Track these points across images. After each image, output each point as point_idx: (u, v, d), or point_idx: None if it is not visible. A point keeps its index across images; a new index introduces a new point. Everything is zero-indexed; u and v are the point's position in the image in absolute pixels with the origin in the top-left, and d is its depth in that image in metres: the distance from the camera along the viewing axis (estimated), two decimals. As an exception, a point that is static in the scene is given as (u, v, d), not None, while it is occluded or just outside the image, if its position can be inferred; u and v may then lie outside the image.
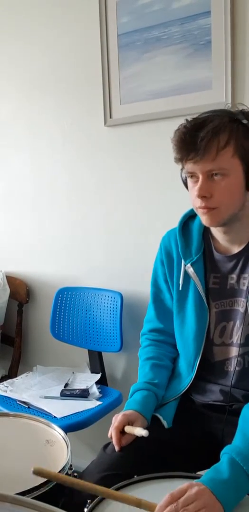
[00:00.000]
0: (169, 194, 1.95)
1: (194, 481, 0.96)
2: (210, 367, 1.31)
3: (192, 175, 1.20)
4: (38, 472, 0.95)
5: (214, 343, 1.30)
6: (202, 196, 1.17)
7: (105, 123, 2.07)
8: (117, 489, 1.03)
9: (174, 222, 1.42)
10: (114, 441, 1.20)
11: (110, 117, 2.05)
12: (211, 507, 0.92)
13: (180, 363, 1.39)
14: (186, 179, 1.27)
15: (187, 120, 1.19)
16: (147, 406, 1.28)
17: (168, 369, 1.40)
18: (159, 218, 2.00)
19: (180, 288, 1.35)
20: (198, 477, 1.00)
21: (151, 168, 2.00)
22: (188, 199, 1.32)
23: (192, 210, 1.38)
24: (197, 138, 1.13)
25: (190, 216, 1.39)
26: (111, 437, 1.21)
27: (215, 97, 1.77)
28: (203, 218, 1.23)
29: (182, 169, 1.29)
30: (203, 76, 1.81)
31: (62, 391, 1.94)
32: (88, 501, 0.97)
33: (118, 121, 2.04)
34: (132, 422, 1.22)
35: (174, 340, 1.40)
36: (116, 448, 1.19)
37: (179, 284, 1.35)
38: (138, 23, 1.93)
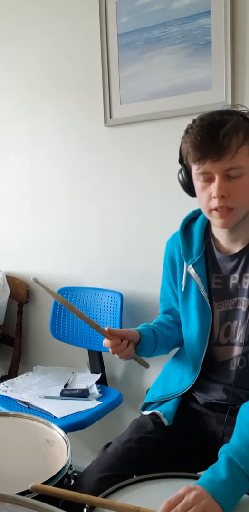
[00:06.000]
0: (169, 194, 1.95)
1: (192, 483, 0.96)
2: (214, 367, 1.32)
3: (206, 176, 1.18)
4: (35, 489, 0.95)
5: (220, 343, 1.30)
6: (221, 195, 1.16)
7: (105, 123, 2.07)
8: (117, 489, 1.03)
9: (175, 221, 1.42)
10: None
11: (110, 117, 2.05)
12: (210, 510, 0.91)
13: (185, 361, 1.40)
14: (185, 182, 1.27)
15: (194, 120, 1.18)
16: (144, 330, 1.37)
17: (171, 331, 1.46)
18: (159, 218, 2.00)
19: (183, 289, 1.35)
20: (198, 478, 1.00)
21: (151, 168, 2.00)
22: (189, 199, 1.32)
23: (193, 212, 1.38)
24: (218, 136, 1.12)
25: (192, 218, 1.39)
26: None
27: (215, 97, 1.77)
28: (218, 221, 1.21)
29: (180, 171, 1.28)
30: (203, 76, 1.81)
31: (62, 391, 1.94)
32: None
33: (118, 121, 2.04)
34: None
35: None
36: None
37: (182, 285, 1.35)
38: (138, 23, 1.93)
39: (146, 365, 1.39)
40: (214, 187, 1.16)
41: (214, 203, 1.18)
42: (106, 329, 1.29)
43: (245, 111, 1.20)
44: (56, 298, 1.29)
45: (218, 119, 1.15)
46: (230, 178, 1.16)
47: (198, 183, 1.21)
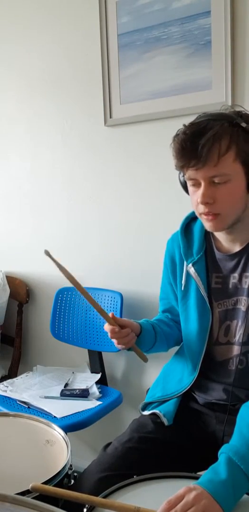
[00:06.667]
0: (169, 194, 1.95)
1: (192, 483, 0.96)
2: (214, 366, 1.32)
3: (193, 181, 1.19)
4: (35, 489, 0.95)
5: (219, 342, 1.30)
6: (205, 202, 1.17)
7: (105, 123, 2.07)
8: (117, 489, 1.03)
9: (174, 221, 1.43)
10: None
11: (110, 117, 2.05)
12: (210, 510, 0.91)
13: (185, 361, 1.40)
14: (184, 182, 1.27)
15: (184, 125, 1.19)
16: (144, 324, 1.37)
17: (171, 329, 1.46)
18: (159, 218, 2.00)
19: (182, 288, 1.36)
20: (198, 478, 1.00)
21: (151, 168, 2.00)
22: (188, 199, 1.32)
23: (194, 212, 1.39)
24: (198, 145, 1.12)
25: (192, 218, 1.39)
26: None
27: (215, 97, 1.77)
28: (206, 224, 1.23)
29: (180, 172, 1.29)
30: (203, 76, 1.81)
31: (62, 391, 1.94)
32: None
33: (118, 121, 2.04)
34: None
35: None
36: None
37: (182, 284, 1.36)
38: (138, 23, 1.93)
39: (144, 359, 1.38)
40: (199, 194, 1.18)
41: (201, 208, 1.20)
42: (110, 314, 1.30)
43: (242, 111, 1.19)
44: (65, 275, 1.33)
45: (202, 127, 1.15)
46: (216, 184, 1.16)
47: (189, 187, 1.24)
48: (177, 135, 1.18)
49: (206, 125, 1.15)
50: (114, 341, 1.31)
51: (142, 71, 1.95)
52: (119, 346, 1.31)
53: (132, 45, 1.95)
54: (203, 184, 1.17)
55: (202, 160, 1.12)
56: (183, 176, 1.26)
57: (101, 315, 1.30)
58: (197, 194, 1.19)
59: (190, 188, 1.22)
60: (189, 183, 1.22)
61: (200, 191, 1.17)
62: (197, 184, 1.19)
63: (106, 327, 1.30)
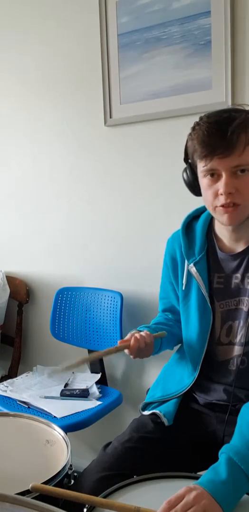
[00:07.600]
0: (169, 194, 1.95)
1: (192, 483, 0.95)
2: (215, 366, 1.32)
3: (213, 173, 1.17)
4: (35, 489, 0.95)
5: (221, 343, 1.30)
6: (228, 192, 1.15)
7: (105, 123, 2.07)
8: (117, 489, 1.03)
9: (174, 221, 1.43)
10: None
11: (110, 117, 2.05)
12: (210, 510, 0.91)
13: (185, 361, 1.40)
14: (192, 181, 1.26)
15: (201, 117, 1.18)
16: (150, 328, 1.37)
17: (171, 328, 1.44)
18: (159, 218, 2.00)
19: (183, 288, 1.35)
20: (198, 478, 1.00)
21: (151, 168, 2.00)
22: (189, 198, 1.32)
23: (196, 211, 1.38)
24: (226, 132, 1.11)
25: (194, 217, 1.38)
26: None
27: (215, 97, 1.77)
28: (223, 217, 1.20)
29: (185, 170, 1.28)
30: (203, 76, 1.81)
31: (62, 391, 1.94)
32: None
33: (118, 121, 2.04)
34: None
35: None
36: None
37: (183, 284, 1.35)
38: (138, 23, 1.93)
39: (163, 334, 1.37)
40: (221, 184, 1.16)
41: (221, 200, 1.17)
42: (118, 343, 1.30)
43: None
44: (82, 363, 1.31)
45: (226, 116, 1.15)
46: (237, 175, 1.15)
47: (204, 181, 1.21)
48: (197, 124, 1.17)
49: (229, 115, 1.14)
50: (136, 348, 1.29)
51: (141, 71, 1.95)
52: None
53: (132, 45, 1.95)
54: (224, 174, 1.15)
55: (230, 148, 1.11)
56: (190, 172, 1.25)
57: (120, 350, 1.31)
58: (214, 187, 1.17)
59: (205, 181, 1.20)
60: (205, 175, 1.19)
61: (222, 182, 1.15)
62: (215, 176, 1.17)
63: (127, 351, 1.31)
